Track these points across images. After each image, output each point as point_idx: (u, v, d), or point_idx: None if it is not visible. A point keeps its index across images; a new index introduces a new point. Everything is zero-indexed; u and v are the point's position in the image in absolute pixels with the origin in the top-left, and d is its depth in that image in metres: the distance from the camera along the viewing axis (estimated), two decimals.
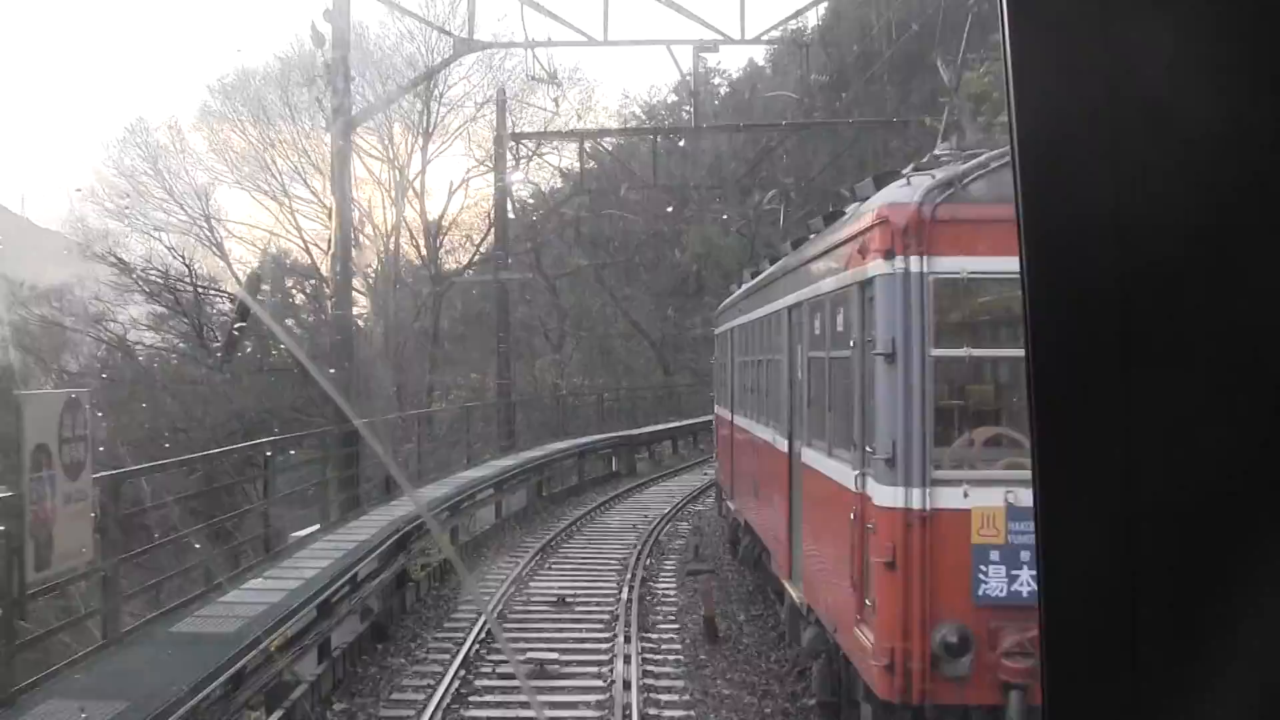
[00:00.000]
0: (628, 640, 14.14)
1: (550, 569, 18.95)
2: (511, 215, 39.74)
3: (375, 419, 22.19)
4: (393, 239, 40.42)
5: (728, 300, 19.90)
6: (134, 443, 32.01)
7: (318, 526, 15.02)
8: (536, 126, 37.16)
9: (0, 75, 57.47)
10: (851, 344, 8.16)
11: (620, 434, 33.56)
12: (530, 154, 38.14)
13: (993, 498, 7.06)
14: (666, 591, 17.32)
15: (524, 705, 11.95)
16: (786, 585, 11.51)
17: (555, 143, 39.19)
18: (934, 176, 7.53)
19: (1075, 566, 1.37)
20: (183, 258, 36.90)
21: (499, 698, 12.16)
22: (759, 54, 53.33)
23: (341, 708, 11.65)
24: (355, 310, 44.26)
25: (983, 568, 7.05)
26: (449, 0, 34.63)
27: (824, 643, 9.79)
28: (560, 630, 14.93)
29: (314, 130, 37.99)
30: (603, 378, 45.90)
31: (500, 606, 16.01)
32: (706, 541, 20.99)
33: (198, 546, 11.64)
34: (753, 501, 15.00)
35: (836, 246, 8.89)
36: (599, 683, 12.60)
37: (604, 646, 14.09)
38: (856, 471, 8.04)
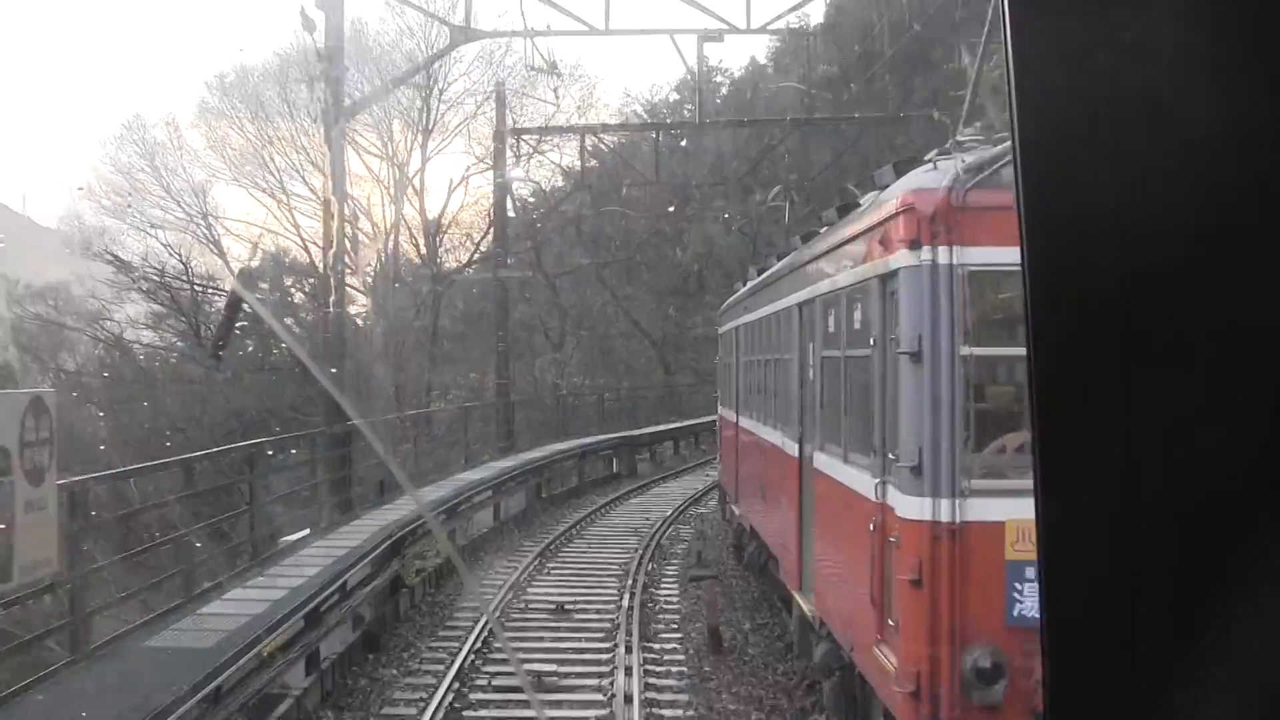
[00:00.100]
0: (629, 650, 13.54)
1: (549, 574, 18.34)
2: (512, 213, 39.14)
3: (369, 419, 21.58)
4: (392, 237, 39.80)
5: (732, 298, 19.25)
6: (129, 443, 31.51)
7: (308, 531, 14.38)
8: (537, 124, 36.44)
9: (1, 73, 56.92)
10: (871, 342, 7.54)
11: (621, 435, 32.93)
12: (531, 151, 37.47)
13: (1028, 509, 6.36)
14: (669, 598, 16.70)
15: None
16: (796, 596, 10.89)
17: (556, 140, 38.49)
18: (963, 161, 6.89)
19: (1076, 566, 1.36)
20: (179, 255, 36.29)
21: (494, 713, 11.55)
22: (761, 52, 52.79)
23: None
24: (354, 309, 43.96)
25: (1018, 586, 6.41)
26: None
27: (838, 660, 9.16)
28: (559, 639, 14.32)
29: (313, 127, 37.38)
30: (603, 377, 45.28)
31: (497, 614, 15.38)
32: (709, 546, 20.36)
33: (174, 549, 11.00)
34: (759, 506, 14.36)
35: (854, 238, 8.26)
36: (599, 696, 12.00)
37: (604, 657, 13.50)
38: (876, 479, 7.42)
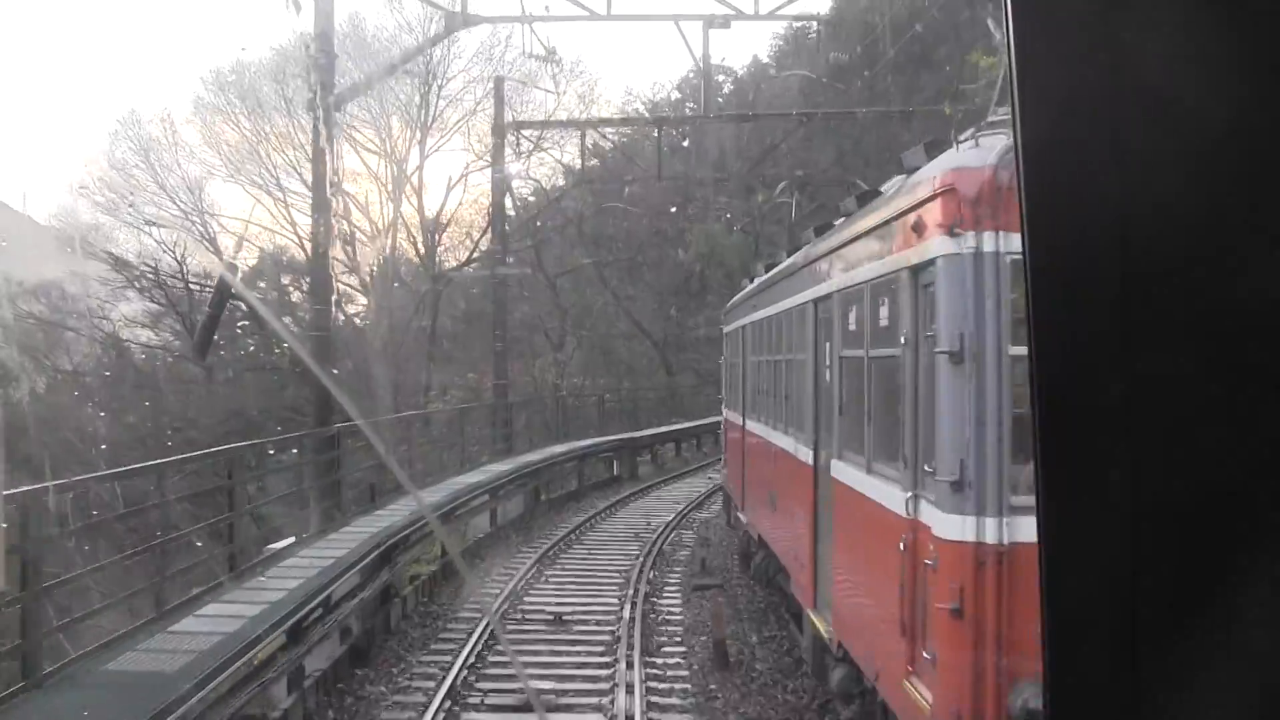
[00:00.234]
0: (630, 666, 12.76)
1: (547, 582, 17.53)
2: (511, 211, 38.36)
3: (360, 421, 20.73)
4: (390, 235, 39.01)
5: (739, 295, 18.40)
6: (122, 443, 30.77)
7: (293, 539, 13.56)
8: (538, 121, 35.65)
9: (1, 72, 56.10)
10: (902, 340, 6.72)
11: (622, 436, 32.10)
12: (531, 148, 36.65)
13: None
14: (671, 608, 15.89)
15: None
16: (810, 614, 10.07)
17: (558, 137, 37.75)
18: (1007, 138, 6.07)
19: (1077, 565, 1.35)
20: (174, 253, 35.47)
21: None
22: (764, 50, 52.07)
23: None
24: (352, 309, 43.23)
25: None
26: None
27: (857, 685, 8.37)
28: (557, 654, 13.52)
29: (310, 123, 36.62)
30: (604, 378, 44.48)
31: (493, 625, 14.56)
32: (713, 553, 19.56)
33: (145, 562, 10.18)
34: (768, 515, 13.54)
35: (880, 226, 7.44)
36: (599, 716, 11.22)
37: (604, 673, 12.71)
38: (907, 494, 6.60)
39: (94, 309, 37.74)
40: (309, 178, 37.51)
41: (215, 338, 41.12)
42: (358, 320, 41.76)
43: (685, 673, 12.83)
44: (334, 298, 42.13)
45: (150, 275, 35.94)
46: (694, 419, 38.38)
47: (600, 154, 43.14)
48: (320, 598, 11.39)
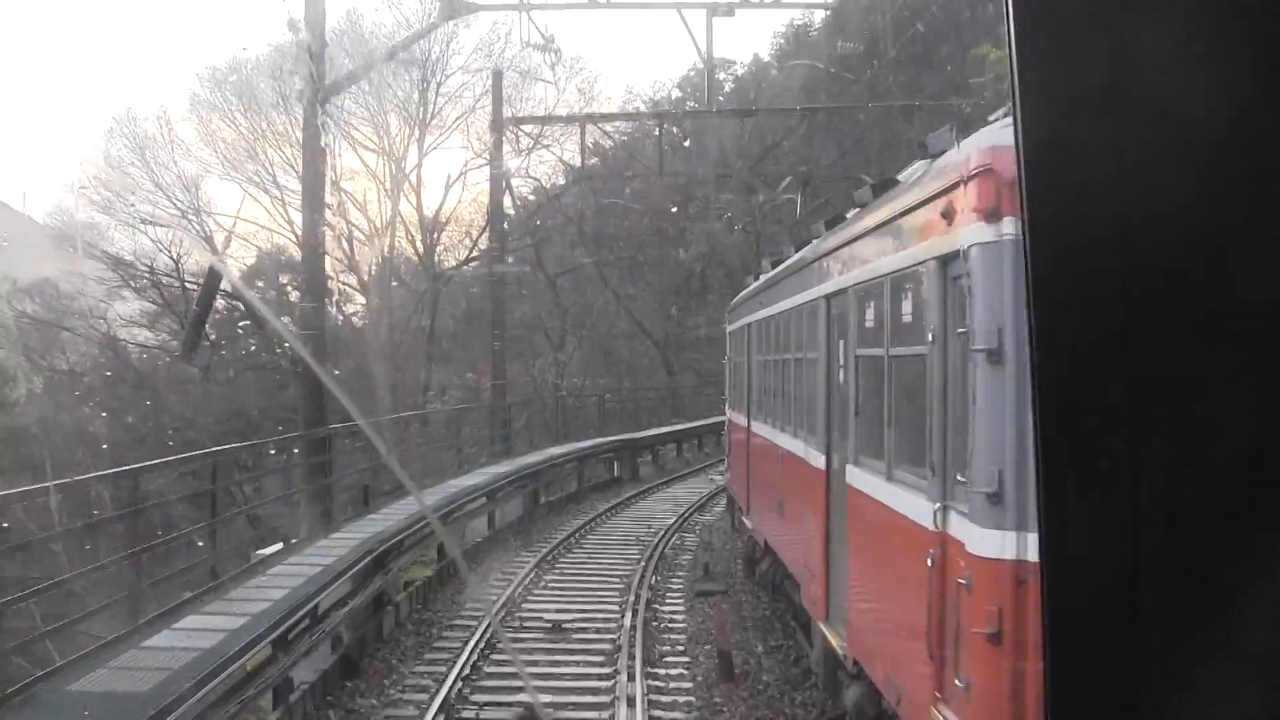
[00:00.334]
0: (632, 678, 12.18)
1: (546, 588, 16.93)
2: (511, 210, 37.76)
3: (361, 421, 20.14)
4: (388, 234, 38.41)
5: (744, 292, 17.77)
6: (120, 444, 30.25)
7: (280, 546, 12.96)
8: (537, 123, 35.03)
9: (1, 72, 55.52)
10: (929, 338, 6.12)
11: (622, 437, 31.47)
12: (531, 145, 36.06)
13: None
14: (674, 616, 15.29)
15: None
16: (822, 627, 9.47)
17: (557, 134, 37.12)
18: None
19: (1079, 564, 1.34)
20: (169, 252, 34.87)
21: None
22: (764, 49, 51.50)
23: None
24: (351, 308, 42.63)
25: None
26: None
27: (876, 707, 7.76)
28: (555, 665, 12.93)
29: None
30: (604, 378, 43.88)
31: (489, 634, 13.96)
32: (716, 557, 18.95)
33: (121, 571, 9.58)
34: (776, 521, 12.93)
35: (902, 215, 6.84)
36: None
37: (605, 685, 12.14)
38: (935, 504, 6.01)
39: (91, 309, 37.19)
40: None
41: (216, 338, 40.59)
42: (356, 320, 41.23)
43: (689, 685, 12.25)
44: (335, 297, 41.79)
45: (146, 275, 35.36)
46: (695, 419, 37.85)
47: (601, 153, 42.54)
48: (307, 608, 10.79)
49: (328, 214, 39.14)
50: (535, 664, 13.01)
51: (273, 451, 17.09)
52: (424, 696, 11.70)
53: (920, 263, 6.38)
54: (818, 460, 9.71)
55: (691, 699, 11.75)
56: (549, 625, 14.53)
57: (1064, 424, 1.35)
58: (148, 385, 36.00)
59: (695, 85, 50.50)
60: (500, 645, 13.75)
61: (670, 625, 14.76)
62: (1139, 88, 1.30)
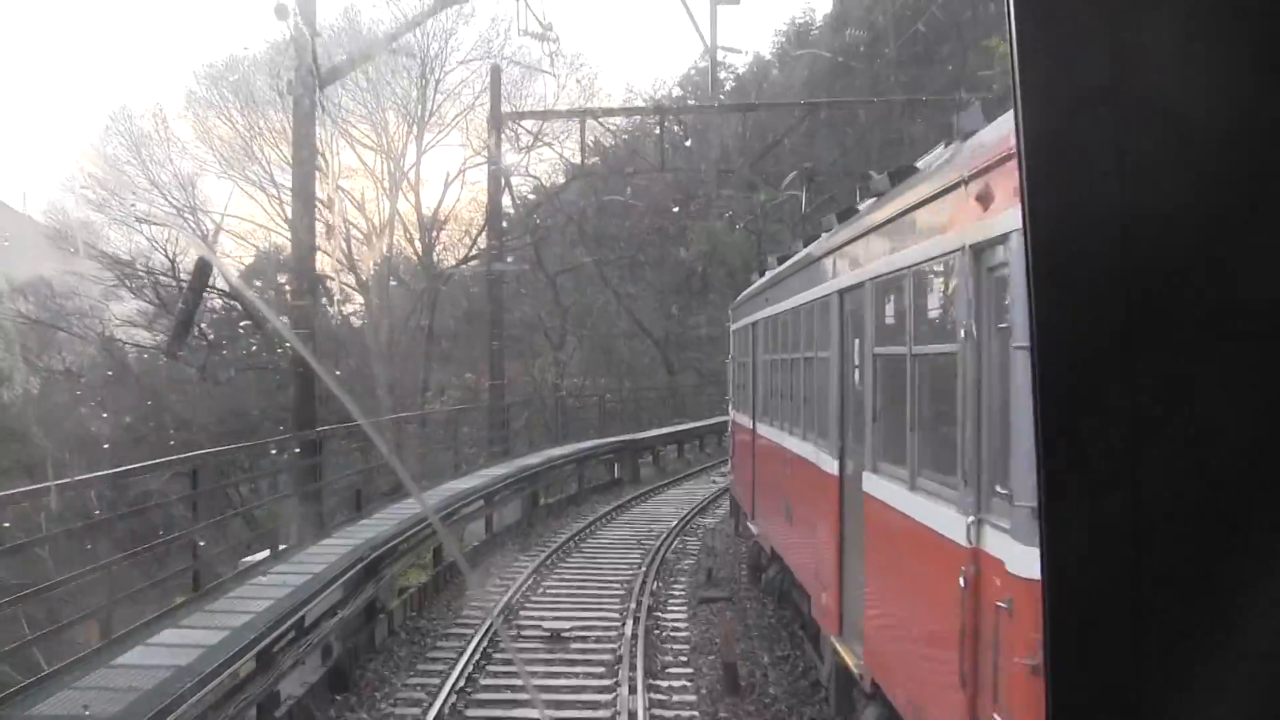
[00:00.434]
0: (633, 690, 11.62)
1: (545, 594, 16.35)
2: (510, 209, 37.17)
3: (362, 421, 19.53)
4: (387, 232, 37.82)
5: (749, 289, 17.14)
6: (123, 444, 29.71)
7: (267, 553, 12.37)
8: (537, 118, 34.39)
9: (1, 71, 54.92)
10: (962, 335, 5.53)
11: (623, 438, 30.87)
12: (531, 142, 35.46)
13: None
14: (677, 624, 14.71)
15: None
16: (834, 642, 8.88)
17: (557, 130, 36.50)
18: None
19: (1080, 565, 1.33)
20: (165, 251, 34.28)
21: None
22: (765, 47, 50.96)
23: None
24: (349, 308, 42.03)
25: None
26: None
27: None
28: (553, 677, 12.36)
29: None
30: (604, 378, 43.28)
31: (484, 644, 13.38)
32: (719, 562, 18.37)
33: (95, 582, 8.99)
34: (783, 528, 12.34)
35: (928, 201, 6.23)
36: None
37: (605, 698, 11.58)
38: (969, 518, 5.42)
39: (87, 308, 36.63)
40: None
41: (215, 337, 40.00)
42: (355, 320, 40.66)
43: (693, 698, 11.68)
44: (335, 296, 41.20)
45: (143, 274, 34.78)
46: (696, 419, 37.32)
47: (601, 151, 41.97)
48: (292, 620, 10.20)
49: (326, 212, 38.67)
50: (533, 674, 12.45)
51: (274, 451, 16.46)
52: (416, 711, 11.15)
53: (950, 252, 5.79)
54: (830, 465, 9.12)
55: (695, 714, 11.18)
56: (547, 634, 13.95)
57: (1064, 424, 1.34)
58: (143, 385, 35.47)
59: (696, 84, 49.98)
60: (499, 656, 13.18)
61: (673, 634, 14.19)
62: (1140, 86, 1.30)
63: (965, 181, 5.48)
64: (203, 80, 38.72)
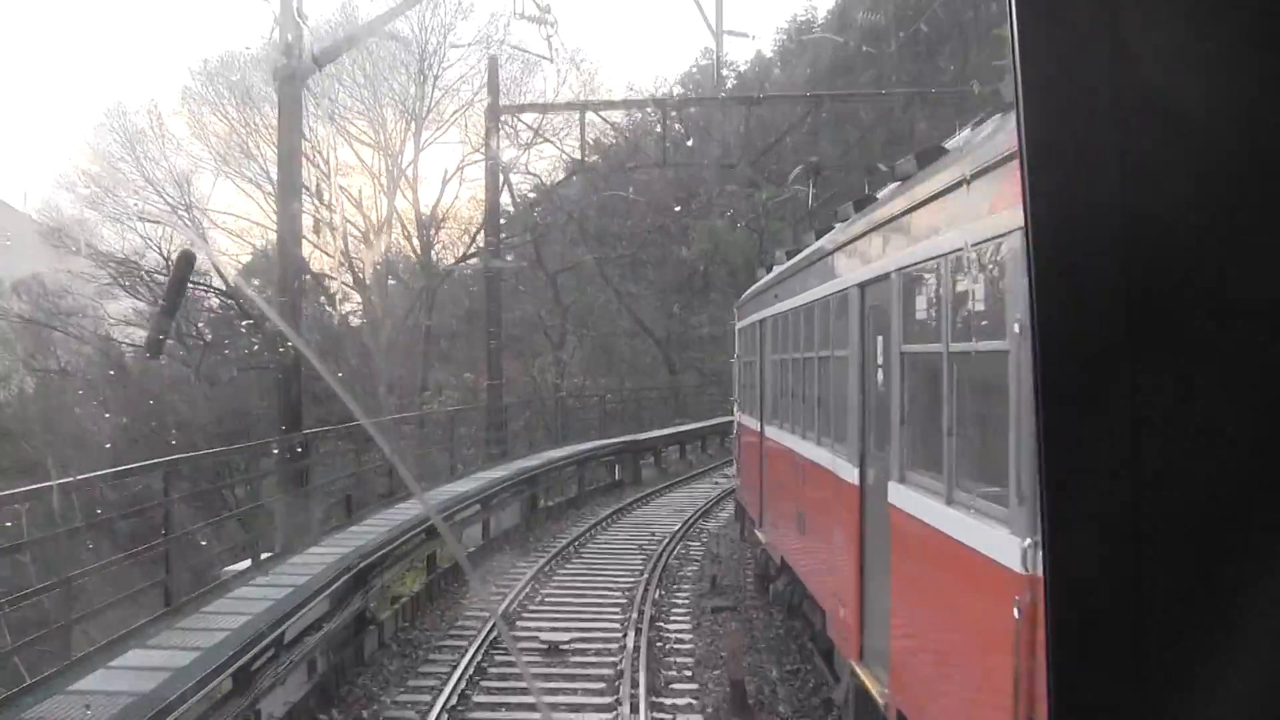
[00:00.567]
0: (634, 709, 10.89)
1: (543, 603, 15.60)
2: (510, 207, 36.44)
3: (364, 421, 18.76)
4: (385, 230, 37.06)
5: (756, 286, 16.35)
6: (120, 445, 29.08)
7: (249, 564, 11.62)
8: (536, 114, 33.66)
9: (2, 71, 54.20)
10: (1016, 329, 4.78)
11: (624, 439, 30.10)
12: (531, 138, 34.70)
13: None
14: (680, 635, 13.95)
15: None
16: (854, 666, 8.13)
17: (557, 126, 35.75)
18: None
19: (1081, 564, 1.33)
20: (159, 248, 33.54)
21: None
22: (767, 46, 50.32)
23: None
24: (348, 307, 41.27)
25: None
26: None
27: None
28: (551, 694, 11.60)
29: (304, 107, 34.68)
30: (605, 377, 42.53)
31: (479, 657, 12.64)
32: (724, 569, 17.62)
33: (59, 598, 8.23)
34: (795, 538, 11.57)
35: (970, 179, 5.48)
36: None
37: (605, 717, 10.82)
38: (1024, 540, 4.67)
39: (83, 307, 35.98)
40: (310, 176, 35.77)
41: (213, 337, 39.29)
42: (354, 319, 39.92)
43: (698, 717, 10.94)
44: (336, 295, 40.49)
45: (137, 272, 34.07)
46: (699, 420, 36.62)
47: (602, 150, 41.25)
48: (271, 637, 9.45)
49: (323, 210, 37.96)
50: (528, 691, 11.71)
51: (275, 451, 15.64)
52: None
53: (996, 237, 5.04)
54: (848, 473, 8.36)
55: None
56: (546, 646, 13.20)
57: (1066, 424, 1.33)
58: (139, 385, 34.81)
59: (698, 82, 49.28)
60: (493, 670, 12.44)
61: (676, 647, 13.44)
62: (1141, 86, 1.28)
63: (1004, 161, 4.73)
64: (198, 76, 38.00)
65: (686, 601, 15.79)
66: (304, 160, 36.05)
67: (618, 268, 42.98)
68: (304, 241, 37.93)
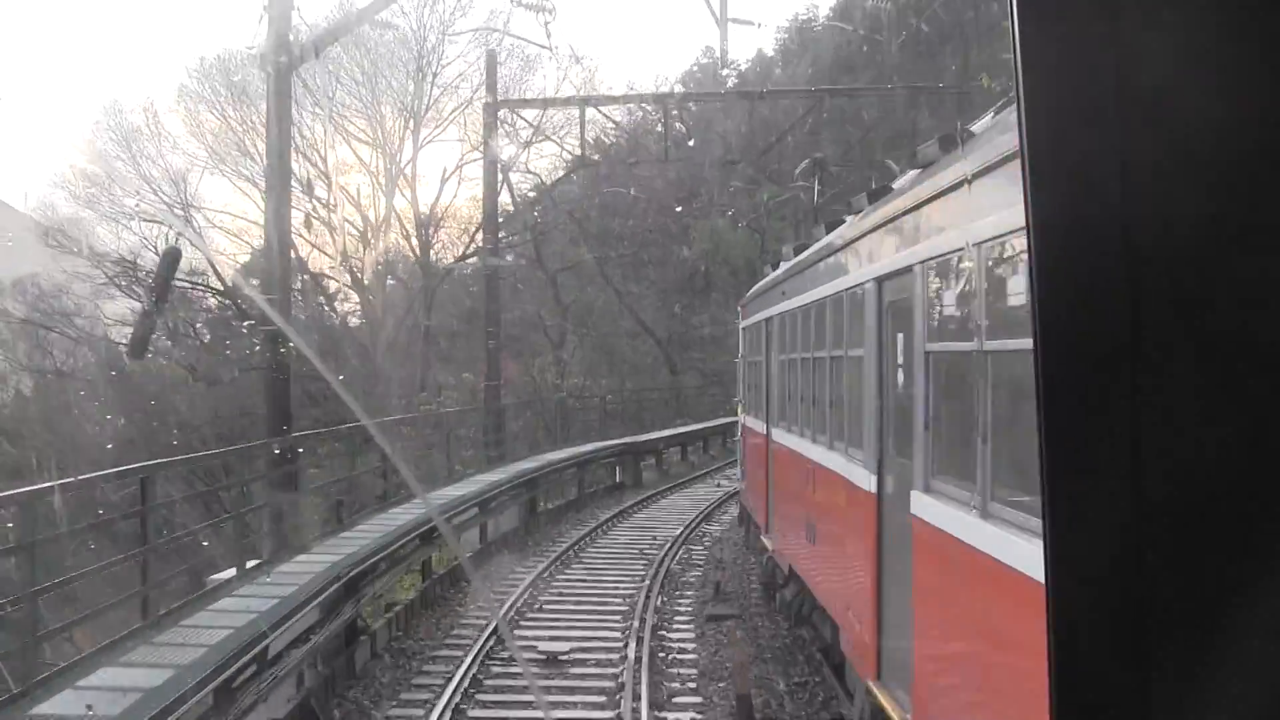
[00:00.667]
0: None
1: (541, 610, 15.03)
2: (510, 206, 35.89)
3: (366, 421, 18.17)
4: (383, 229, 36.49)
5: (761, 283, 15.75)
6: (119, 446, 28.56)
7: (233, 572, 11.06)
8: (536, 110, 33.08)
9: (2, 71, 53.71)
10: None
11: (624, 441, 29.53)
12: (530, 135, 34.12)
13: None
14: (684, 645, 13.39)
15: None
16: (871, 686, 7.56)
17: (558, 124, 35.18)
18: None
19: (1084, 566, 1.33)
20: (155, 248, 32.97)
21: None
22: (768, 45, 49.81)
23: None
24: (346, 306, 40.72)
25: None
26: None
27: None
28: (549, 706, 11.04)
29: (297, 111, 34.15)
30: (606, 378, 41.94)
31: (474, 669, 12.08)
32: (728, 574, 17.04)
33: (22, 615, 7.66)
34: (804, 546, 10.99)
35: (1009, 159, 4.90)
36: None
37: None
38: None
39: (79, 307, 35.44)
40: (302, 170, 35.27)
41: (211, 337, 38.72)
42: (354, 319, 39.36)
43: None
44: (335, 294, 39.92)
45: (133, 273, 33.50)
46: (700, 420, 36.04)
47: (603, 148, 40.70)
48: (253, 654, 8.89)
49: (322, 210, 37.39)
50: (525, 705, 11.16)
51: (280, 451, 14.95)
52: None
53: None
54: (864, 480, 7.79)
55: None
56: (543, 657, 12.65)
57: (1068, 425, 1.32)
58: (133, 386, 34.27)
59: (699, 81, 48.69)
60: (489, 682, 11.88)
61: (679, 657, 12.87)
62: (1143, 89, 1.27)
63: None
64: (194, 73, 37.43)
65: (689, 608, 15.23)
66: (301, 158, 35.61)
67: (618, 267, 42.41)
68: (303, 241, 37.52)
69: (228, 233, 38.83)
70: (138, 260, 32.45)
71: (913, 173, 7.38)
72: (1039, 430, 1.34)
